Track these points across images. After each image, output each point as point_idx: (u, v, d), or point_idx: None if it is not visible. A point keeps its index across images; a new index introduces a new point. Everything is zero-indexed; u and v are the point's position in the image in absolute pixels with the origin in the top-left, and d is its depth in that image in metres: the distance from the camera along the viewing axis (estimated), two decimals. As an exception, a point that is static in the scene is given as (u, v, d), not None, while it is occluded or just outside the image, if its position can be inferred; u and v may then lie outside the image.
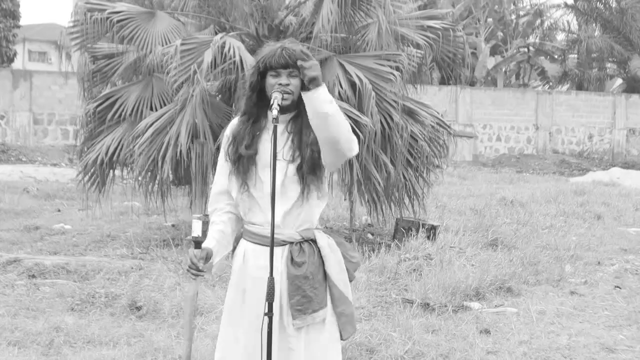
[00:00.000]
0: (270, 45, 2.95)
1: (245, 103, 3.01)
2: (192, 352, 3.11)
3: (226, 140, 3.07)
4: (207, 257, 2.99)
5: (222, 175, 3.09)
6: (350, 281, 3.11)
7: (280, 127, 2.98)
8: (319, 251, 3.02)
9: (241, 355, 3.01)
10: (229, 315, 3.09)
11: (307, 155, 2.94)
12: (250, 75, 2.97)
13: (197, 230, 2.93)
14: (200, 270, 2.94)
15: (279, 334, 2.95)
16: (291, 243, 3.00)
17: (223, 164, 3.08)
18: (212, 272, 3.08)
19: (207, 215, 2.99)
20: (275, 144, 2.82)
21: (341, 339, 3.08)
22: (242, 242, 3.09)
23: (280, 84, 2.87)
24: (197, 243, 2.95)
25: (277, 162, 2.90)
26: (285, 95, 2.86)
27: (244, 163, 2.98)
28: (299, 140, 2.96)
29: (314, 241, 3.02)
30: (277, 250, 2.96)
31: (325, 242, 3.04)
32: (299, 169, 2.95)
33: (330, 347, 3.04)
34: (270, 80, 2.91)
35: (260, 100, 2.98)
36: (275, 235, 2.91)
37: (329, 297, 3.02)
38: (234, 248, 3.14)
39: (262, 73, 2.93)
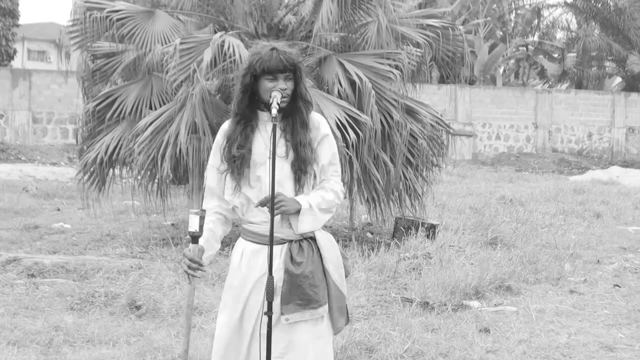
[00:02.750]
0: (261, 47, 2.96)
1: (237, 104, 3.02)
2: (189, 350, 3.12)
3: (218, 145, 3.08)
4: (200, 253, 3.01)
5: (212, 177, 3.13)
6: (346, 276, 3.14)
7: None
8: (319, 249, 3.02)
9: (239, 353, 3.01)
10: (226, 315, 3.08)
11: (302, 154, 2.96)
12: (243, 77, 2.98)
13: (194, 225, 2.94)
14: (201, 265, 2.95)
15: (278, 331, 2.96)
16: (290, 241, 3.00)
17: (214, 167, 3.11)
18: (203, 269, 3.10)
19: (204, 211, 3.00)
20: (274, 143, 2.84)
21: (334, 333, 3.09)
22: (241, 241, 3.10)
23: (280, 89, 2.90)
24: (194, 238, 2.96)
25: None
26: (284, 99, 2.90)
27: (237, 164, 3.00)
28: (293, 139, 2.98)
29: (314, 239, 3.03)
30: (276, 249, 2.97)
31: (326, 239, 3.06)
32: (293, 166, 2.97)
33: (326, 342, 3.06)
34: (267, 84, 2.92)
35: (251, 102, 3.00)
36: (273, 234, 2.91)
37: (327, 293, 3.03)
38: (232, 247, 3.15)
39: (255, 76, 2.94)
